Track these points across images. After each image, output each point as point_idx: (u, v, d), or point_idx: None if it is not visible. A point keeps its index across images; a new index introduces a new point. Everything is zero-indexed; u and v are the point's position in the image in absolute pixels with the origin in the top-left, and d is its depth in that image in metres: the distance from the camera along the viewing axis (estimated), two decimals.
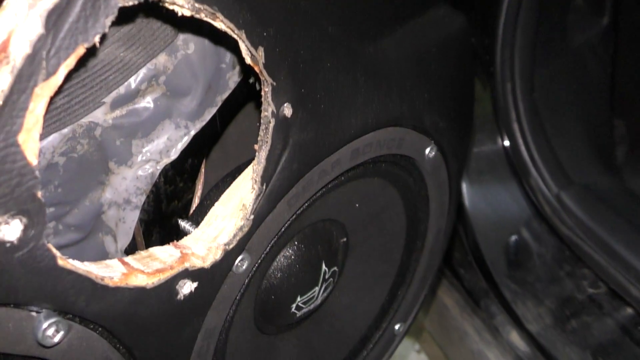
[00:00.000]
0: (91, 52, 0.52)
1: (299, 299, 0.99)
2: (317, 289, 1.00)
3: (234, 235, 0.74)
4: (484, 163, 1.67)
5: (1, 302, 0.56)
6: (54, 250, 0.55)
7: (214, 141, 1.08)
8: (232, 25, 0.61)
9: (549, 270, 1.67)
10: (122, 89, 0.88)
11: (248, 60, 0.67)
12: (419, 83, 0.98)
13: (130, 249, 1.00)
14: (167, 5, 0.57)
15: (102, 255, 0.99)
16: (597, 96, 1.78)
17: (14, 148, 0.49)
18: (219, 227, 0.75)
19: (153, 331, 0.70)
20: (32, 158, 0.51)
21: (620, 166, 1.83)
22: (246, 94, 1.03)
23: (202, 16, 0.60)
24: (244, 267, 0.78)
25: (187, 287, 0.70)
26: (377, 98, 0.87)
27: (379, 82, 0.88)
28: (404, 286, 1.18)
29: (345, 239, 1.05)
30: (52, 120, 0.80)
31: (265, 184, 0.74)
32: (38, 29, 0.47)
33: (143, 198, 0.98)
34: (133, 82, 0.88)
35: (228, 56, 0.95)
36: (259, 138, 0.73)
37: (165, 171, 0.98)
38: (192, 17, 0.60)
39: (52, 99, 0.52)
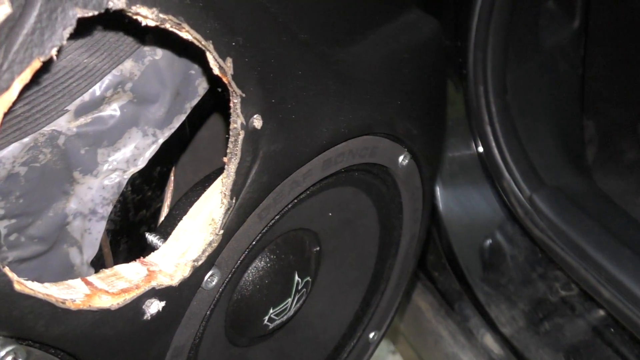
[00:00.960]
0: (48, 63, 0.49)
1: (271, 311, 0.97)
2: (289, 300, 0.98)
3: (203, 251, 0.71)
4: (457, 166, 1.66)
5: None
6: (10, 274, 0.52)
7: (183, 148, 1.06)
8: (198, 36, 0.59)
9: (521, 272, 1.67)
10: (86, 96, 0.85)
11: (216, 71, 0.65)
12: (392, 89, 0.96)
13: (97, 260, 0.97)
14: (130, 14, 0.54)
15: (66, 267, 0.96)
16: (568, 97, 1.80)
17: None
18: (187, 242, 0.73)
19: (118, 353, 0.68)
20: None
21: (590, 166, 1.84)
22: (216, 99, 1.00)
23: (168, 26, 0.57)
24: (213, 283, 0.76)
25: (154, 307, 0.67)
26: (349, 106, 0.85)
27: (350, 89, 0.86)
28: (378, 293, 1.17)
29: (318, 248, 1.03)
30: (12, 129, 0.77)
31: (235, 198, 0.72)
32: None
33: (110, 208, 0.95)
34: (98, 89, 0.86)
35: (197, 62, 0.93)
36: (227, 150, 0.70)
37: (132, 180, 0.95)
38: (156, 27, 0.57)
39: (10, 107, 0.49)
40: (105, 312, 0.62)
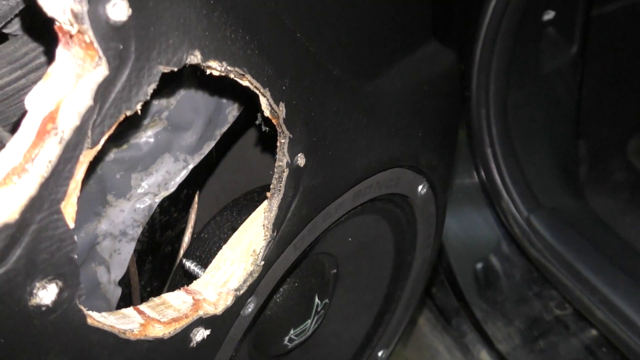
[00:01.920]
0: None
1: (292, 331, 1.01)
2: (309, 321, 1.02)
3: (244, 281, 0.75)
4: (457, 187, 1.71)
5: None
6: (85, 310, 0.56)
7: (209, 172, 1.09)
8: (258, 84, 0.63)
9: (518, 290, 1.73)
10: (126, 124, 0.88)
11: (267, 114, 0.68)
12: (414, 121, 1.00)
13: (122, 279, 1.00)
14: (202, 68, 0.57)
15: (93, 285, 0.98)
16: (564, 120, 1.85)
17: (56, 216, 0.49)
18: (229, 271, 0.76)
19: None
20: (71, 223, 0.51)
21: (582, 186, 1.90)
22: (241, 127, 1.04)
23: (232, 76, 0.61)
24: (250, 309, 0.79)
25: (200, 335, 0.71)
26: (379, 140, 0.89)
27: (378, 122, 0.90)
28: (389, 313, 1.21)
29: (335, 270, 1.07)
30: None
31: (276, 231, 0.75)
32: (87, 101, 0.47)
33: (140, 230, 0.98)
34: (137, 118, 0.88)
35: (228, 91, 0.96)
36: (271, 186, 0.74)
37: (161, 202, 0.98)
38: (220, 76, 0.60)
39: None
40: (158, 341, 0.66)
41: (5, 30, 0.67)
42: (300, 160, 0.73)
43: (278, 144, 0.71)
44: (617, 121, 2.04)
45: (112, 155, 0.90)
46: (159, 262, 1.07)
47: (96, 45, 0.46)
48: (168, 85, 0.89)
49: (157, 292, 1.08)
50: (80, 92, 0.47)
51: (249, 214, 0.80)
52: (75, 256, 0.52)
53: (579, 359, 1.60)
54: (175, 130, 0.94)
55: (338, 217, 0.88)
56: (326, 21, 0.85)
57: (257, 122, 0.81)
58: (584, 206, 1.81)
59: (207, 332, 0.71)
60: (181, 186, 0.99)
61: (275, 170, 0.73)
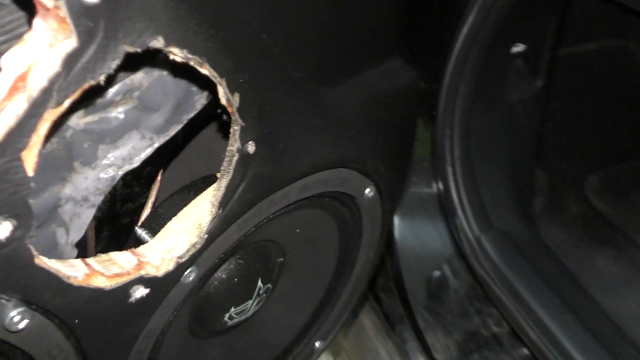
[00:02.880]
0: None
1: (232, 309, 1.08)
2: (250, 302, 1.10)
3: (187, 250, 0.83)
4: (417, 201, 1.79)
5: None
6: (34, 250, 0.63)
7: (174, 154, 1.16)
8: (215, 74, 0.71)
9: (461, 305, 1.81)
10: (98, 98, 0.95)
11: (223, 102, 0.76)
12: (368, 130, 1.08)
13: (80, 242, 1.06)
14: (164, 52, 0.65)
15: (52, 245, 1.05)
16: (524, 149, 1.93)
17: (17, 162, 0.57)
18: (175, 240, 0.84)
19: (103, 327, 0.78)
20: (30, 171, 0.59)
21: (536, 215, 1.99)
22: (208, 117, 1.11)
23: (192, 63, 0.68)
24: (190, 279, 0.87)
25: (139, 292, 0.78)
26: (329, 141, 0.97)
27: (333, 126, 0.98)
28: (329, 307, 1.29)
29: (281, 259, 1.15)
30: None
31: (222, 208, 0.83)
32: (56, 67, 0.55)
33: (101, 198, 1.05)
34: (109, 93, 0.95)
35: (199, 81, 1.03)
36: (222, 168, 0.82)
37: (124, 175, 1.05)
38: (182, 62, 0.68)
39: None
40: (99, 291, 0.73)
41: None
42: (251, 147, 0.81)
43: (231, 130, 0.79)
44: (577, 157, 2.13)
45: (82, 124, 0.97)
46: (116, 232, 1.13)
47: (69, 20, 0.54)
48: (142, 67, 0.97)
49: None
50: (50, 59, 0.55)
51: None
52: (31, 201, 0.59)
53: None
54: (144, 110, 1.01)
55: (284, 206, 0.96)
56: (293, 28, 0.92)
57: (218, 111, 0.89)
58: (533, 233, 1.90)
59: (147, 290, 0.79)
60: (145, 163, 1.05)
61: (227, 153, 0.81)
